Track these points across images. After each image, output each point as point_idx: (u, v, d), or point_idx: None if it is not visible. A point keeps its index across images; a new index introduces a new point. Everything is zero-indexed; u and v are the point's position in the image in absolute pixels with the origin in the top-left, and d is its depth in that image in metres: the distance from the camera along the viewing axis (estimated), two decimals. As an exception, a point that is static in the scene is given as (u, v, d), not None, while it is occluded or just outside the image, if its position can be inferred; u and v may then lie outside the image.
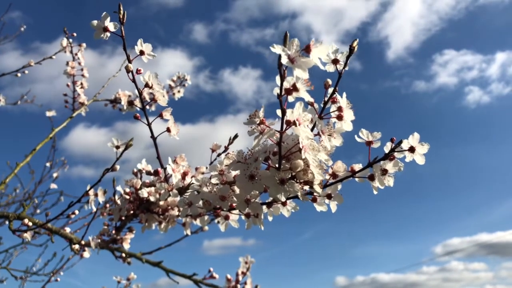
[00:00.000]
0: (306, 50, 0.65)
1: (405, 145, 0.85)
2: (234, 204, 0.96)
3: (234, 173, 0.96)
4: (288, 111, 0.73)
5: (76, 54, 2.30)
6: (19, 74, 2.53)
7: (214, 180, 0.97)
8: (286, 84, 0.71)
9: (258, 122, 0.81)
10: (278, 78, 0.68)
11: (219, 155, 1.36)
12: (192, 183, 1.04)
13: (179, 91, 2.54)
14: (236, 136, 1.37)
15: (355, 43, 0.83)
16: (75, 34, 2.32)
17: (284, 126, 0.75)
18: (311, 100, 0.76)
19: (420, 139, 0.86)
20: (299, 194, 0.85)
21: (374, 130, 0.90)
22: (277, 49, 0.63)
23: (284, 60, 0.63)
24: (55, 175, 3.28)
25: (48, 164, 3.27)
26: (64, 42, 2.30)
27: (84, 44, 2.34)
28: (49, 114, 2.38)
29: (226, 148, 1.37)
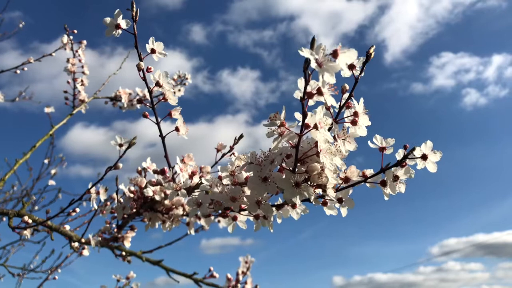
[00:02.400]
0: (333, 55, 0.65)
1: (417, 152, 0.85)
2: (243, 206, 0.96)
3: (245, 174, 0.97)
4: (309, 114, 0.74)
5: (76, 51, 2.28)
6: (18, 71, 2.50)
7: (225, 181, 0.97)
8: (309, 88, 0.71)
9: (278, 124, 0.81)
10: (300, 81, 0.69)
11: (224, 155, 1.37)
12: (202, 183, 1.04)
13: (179, 90, 2.53)
14: (241, 136, 1.38)
15: (371, 50, 0.84)
16: (75, 31, 2.31)
17: (304, 129, 0.75)
18: (334, 104, 0.77)
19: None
20: (311, 197, 0.85)
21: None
22: (305, 52, 0.63)
23: (313, 64, 0.63)
24: (53, 172, 3.26)
25: (46, 161, 3.24)
26: (65, 39, 2.28)
27: (84, 41, 2.32)
28: (47, 110, 2.36)
29: (231, 148, 1.37)
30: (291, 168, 0.83)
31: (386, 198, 0.89)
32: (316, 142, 0.78)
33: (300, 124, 0.76)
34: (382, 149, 0.89)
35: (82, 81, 2.27)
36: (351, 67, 0.85)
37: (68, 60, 2.27)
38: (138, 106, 2.32)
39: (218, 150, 1.37)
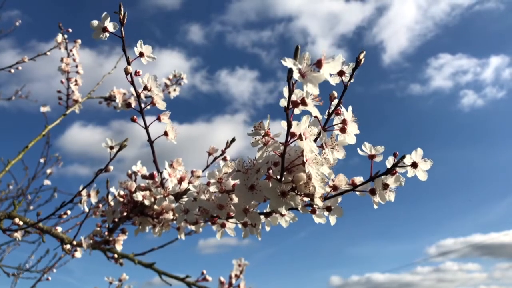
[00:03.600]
0: (317, 65, 0.63)
1: (407, 160, 0.84)
2: (231, 213, 0.94)
3: (232, 181, 0.95)
4: (294, 123, 0.72)
5: (71, 51, 2.26)
6: (12, 70, 2.47)
7: (212, 188, 0.96)
8: (294, 97, 0.69)
9: (263, 134, 0.79)
10: (286, 91, 0.67)
11: (215, 158, 1.35)
12: (189, 190, 1.02)
13: (174, 90, 2.51)
14: (233, 140, 1.36)
15: (361, 56, 0.81)
16: (70, 30, 2.29)
17: (289, 138, 0.73)
18: (319, 116, 0.75)
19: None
20: (298, 206, 0.83)
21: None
22: (288, 63, 0.61)
23: (296, 75, 0.61)
24: (48, 171, 3.24)
25: (42, 160, 3.23)
26: (59, 38, 2.26)
27: (79, 41, 2.30)
28: (43, 109, 2.34)
29: (223, 152, 1.35)
30: (278, 177, 0.81)
31: (375, 207, 0.88)
32: (303, 151, 0.76)
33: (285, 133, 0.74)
34: (372, 156, 0.87)
35: (76, 80, 2.25)
36: (341, 73, 0.83)
37: (62, 60, 2.25)
38: (133, 106, 2.30)
39: (210, 154, 1.35)
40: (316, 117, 0.80)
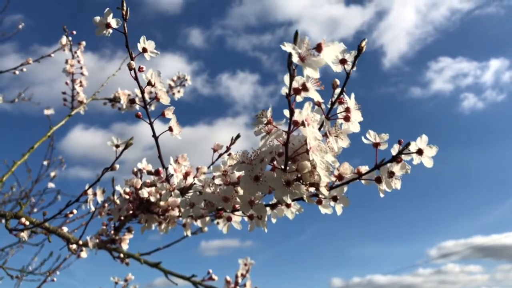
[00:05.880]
0: (317, 49, 0.63)
1: (413, 147, 0.83)
2: (237, 206, 0.94)
3: (237, 173, 0.95)
4: (296, 111, 0.71)
5: (75, 52, 2.27)
6: (17, 72, 2.49)
7: (217, 181, 0.95)
8: (295, 84, 0.69)
9: (265, 122, 0.79)
10: (287, 77, 0.66)
11: (220, 155, 1.34)
12: (195, 184, 1.02)
13: (179, 91, 2.51)
14: (238, 136, 1.35)
15: (363, 43, 0.81)
16: (74, 32, 2.30)
17: (292, 126, 0.73)
18: (321, 100, 0.74)
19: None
20: (304, 196, 0.83)
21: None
22: (287, 47, 0.61)
23: (295, 59, 0.61)
24: (52, 174, 3.26)
25: (45, 163, 3.24)
26: (64, 40, 2.27)
27: (83, 42, 2.31)
28: (47, 112, 2.35)
29: (228, 148, 1.35)
30: (282, 167, 0.80)
31: (381, 195, 0.87)
32: (306, 140, 0.75)
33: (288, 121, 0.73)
34: (376, 144, 0.87)
35: (80, 82, 2.27)
36: (343, 61, 0.83)
37: (66, 61, 2.27)
38: (137, 107, 2.32)
39: (214, 151, 1.35)
40: (318, 102, 0.80)
